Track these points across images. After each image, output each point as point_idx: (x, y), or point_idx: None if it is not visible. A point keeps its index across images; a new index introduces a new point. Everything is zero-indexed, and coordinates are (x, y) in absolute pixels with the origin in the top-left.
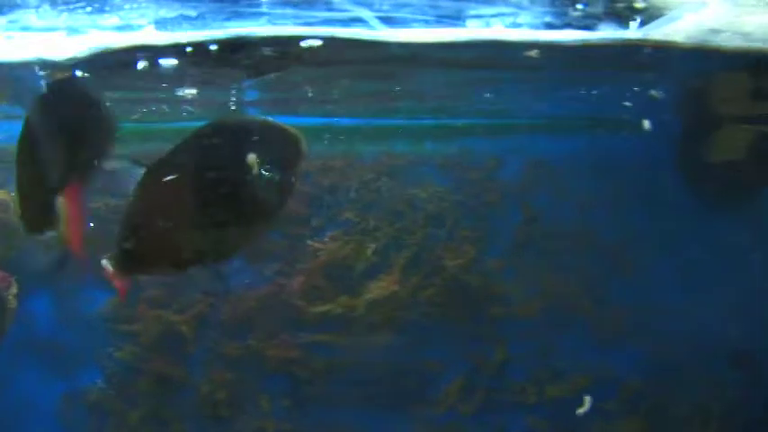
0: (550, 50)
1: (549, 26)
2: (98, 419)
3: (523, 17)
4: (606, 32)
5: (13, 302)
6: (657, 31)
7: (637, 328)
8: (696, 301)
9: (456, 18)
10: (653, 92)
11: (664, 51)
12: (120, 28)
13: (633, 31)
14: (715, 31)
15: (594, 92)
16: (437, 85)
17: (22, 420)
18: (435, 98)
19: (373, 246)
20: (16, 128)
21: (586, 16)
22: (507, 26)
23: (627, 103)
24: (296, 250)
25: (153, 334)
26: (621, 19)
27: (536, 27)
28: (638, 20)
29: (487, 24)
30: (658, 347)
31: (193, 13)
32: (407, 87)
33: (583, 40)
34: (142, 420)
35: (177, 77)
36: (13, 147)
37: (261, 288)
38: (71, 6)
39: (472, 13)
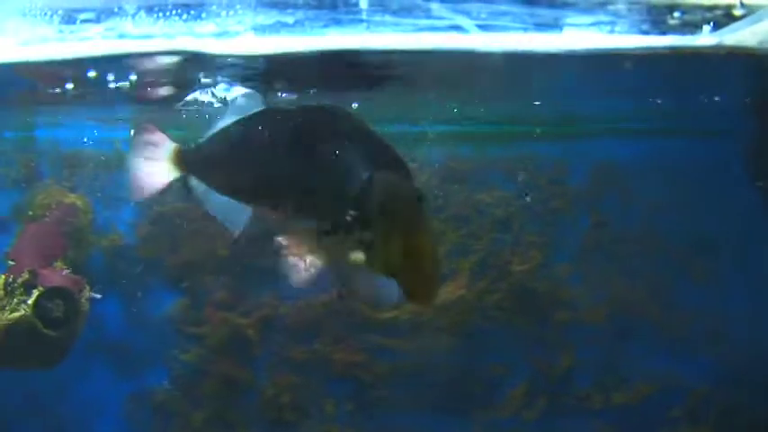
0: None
1: (646, 34)
2: (163, 420)
3: (621, 26)
4: (677, 39)
5: (85, 305)
6: (731, 36)
7: (705, 334)
8: (766, 308)
9: (554, 26)
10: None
11: (737, 57)
12: (217, 35)
13: (706, 37)
14: None
15: (672, 99)
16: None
17: (91, 420)
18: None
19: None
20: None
21: (684, 24)
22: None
23: (700, 109)
24: None
25: (219, 337)
26: (718, 26)
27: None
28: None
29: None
30: (727, 354)
31: (291, 20)
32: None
33: (649, 48)
34: (206, 422)
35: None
36: (93, 152)
37: (328, 292)
38: (167, 13)
39: (570, 21)
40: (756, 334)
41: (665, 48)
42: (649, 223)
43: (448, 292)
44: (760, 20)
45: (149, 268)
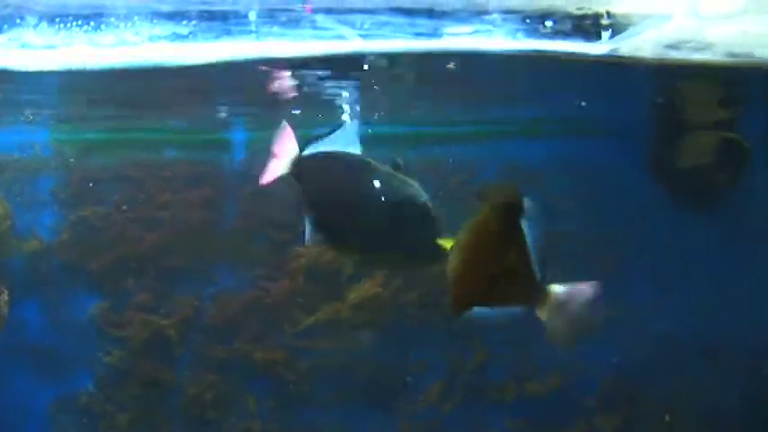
0: (528, 61)
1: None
2: (88, 422)
3: (497, 34)
4: (578, 46)
5: (4, 309)
6: (625, 44)
7: (612, 325)
8: (669, 299)
9: (433, 35)
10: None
11: (632, 65)
12: (114, 45)
13: (603, 44)
14: (680, 44)
15: (572, 100)
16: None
17: (15, 424)
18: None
19: None
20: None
21: (556, 33)
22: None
23: (602, 112)
24: (280, 255)
25: (141, 338)
26: (588, 35)
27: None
28: (609, 33)
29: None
30: (633, 345)
31: (185, 31)
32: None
33: (552, 52)
34: (131, 423)
35: None
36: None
37: (246, 292)
38: (68, 24)
39: (449, 30)
40: (660, 325)
41: (565, 53)
42: (555, 220)
43: (364, 290)
44: (653, 27)
45: (71, 272)
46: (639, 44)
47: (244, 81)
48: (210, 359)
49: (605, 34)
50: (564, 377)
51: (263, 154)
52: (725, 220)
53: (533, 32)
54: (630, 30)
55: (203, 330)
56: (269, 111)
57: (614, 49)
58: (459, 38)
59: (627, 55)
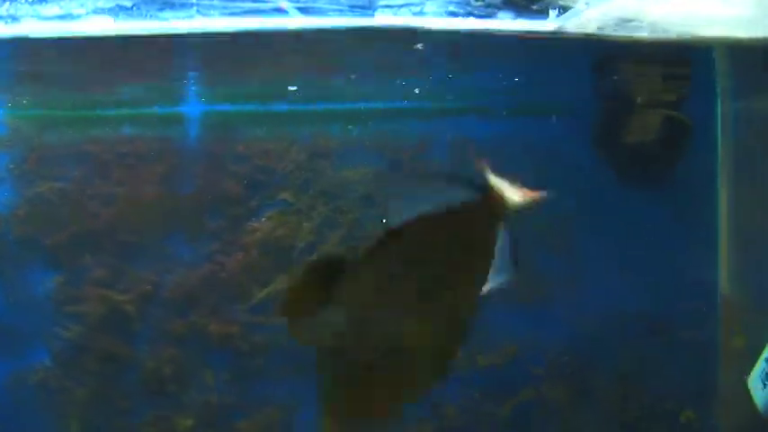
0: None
1: (453, 15)
2: (46, 397)
3: (429, 7)
4: (524, 23)
5: None
6: (570, 22)
7: (561, 299)
8: (617, 275)
9: (367, 8)
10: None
11: (577, 41)
12: (61, 17)
13: (550, 22)
14: (623, 22)
15: (517, 78)
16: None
17: None
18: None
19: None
20: None
21: (487, 6)
22: (414, 14)
23: (548, 90)
24: (234, 230)
25: (98, 313)
26: (519, 9)
27: (441, 16)
28: (557, 10)
29: (396, 14)
30: (581, 319)
31: (129, 4)
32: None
33: (498, 30)
34: (89, 397)
35: None
36: None
37: (202, 266)
38: None
39: (382, 3)
40: (607, 300)
41: (513, 31)
42: None
43: None
44: (587, 8)
45: (27, 248)
46: (583, 22)
47: (192, 54)
48: (168, 333)
49: (552, 12)
50: (514, 349)
51: (217, 130)
52: (669, 197)
53: (465, 5)
54: (574, 9)
55: (160, 305)
56: (222, 85)
57: (560, 27)
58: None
59: (571, 32)
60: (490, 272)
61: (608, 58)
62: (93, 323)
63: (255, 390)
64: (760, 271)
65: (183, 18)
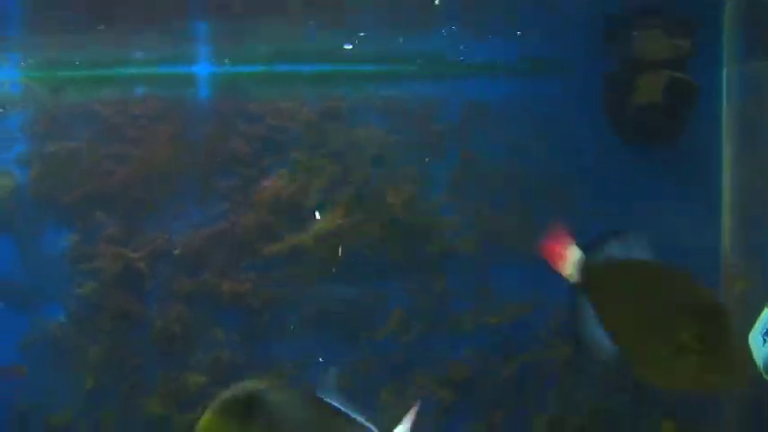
0: None
1: None
2: (60, 354)
3: None
4: None
5: None
6: None
7: None
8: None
9: None
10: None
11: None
12: None
13: None
14: None
15: (520, 33)
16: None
17: None
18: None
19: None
20: None
21: None
22: None
23: (556, 48)
24: (246, 189)
25: (112, 271)
26: None
27: None
28: None
29: None
30: None
31: None
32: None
33: None
34: (102, 354)
35: None
36: None
37: (213, 225)
38: None
39: None
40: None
41: None
42: (514, 159)
43: (327, 222)
44: None
45: (43, 207)
46: None
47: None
48: (179, 292)
49: None
50: (520, 310)
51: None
52: (672, 156)
53: None
54: None
55: (172, 263)
56: (236, 47)
57: None
58: None
59: None
60: None
61: (617, 19)
62: (106, 280)
63: (265, 347)
64: (760, 229)
65: None
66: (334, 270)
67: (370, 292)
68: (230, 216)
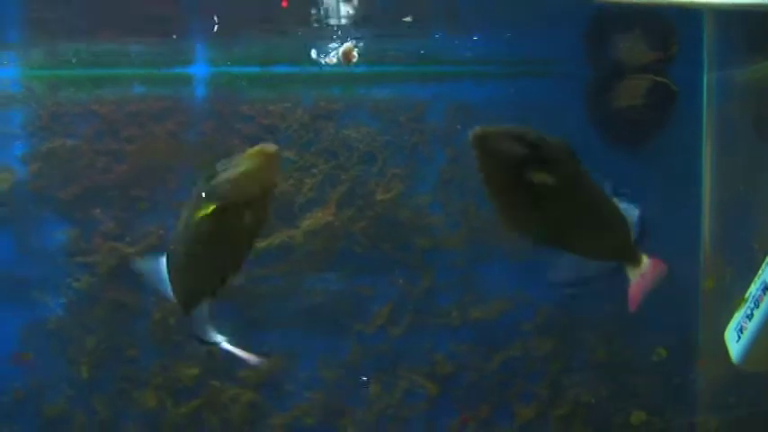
0: None
1: None
2: (58, 345)
3: None
4: None
5: None
6: None
7: (549, 258)
8: None
9: None
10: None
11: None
12: None
13: None
14: None
15: (509, 35)
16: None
17: None
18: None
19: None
20: None
21: None
22: None
23: (541, 51)
24: None
25: (108, 264)
26: None
27: None
28: None
29: None
30: (570, 277)
31: None
32: None
33: None
34: (99, 346)
35: None
36: None
37: None
38: None
39: None
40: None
41: None
42: None
43: (317, 218)
44: None
45: (41, 202)
46: None
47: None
48: None
49: None
50: (505, 305)
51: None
52: (654, 159)
53: None
54: None
55: None
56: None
57: None
58: None
59: None
60: None
61: (599, 24)
62: (103, 274)
63: (257, 340)
64: (738, 230)
65: None
66: (323, 265)
67: (359, 287)
68: None
